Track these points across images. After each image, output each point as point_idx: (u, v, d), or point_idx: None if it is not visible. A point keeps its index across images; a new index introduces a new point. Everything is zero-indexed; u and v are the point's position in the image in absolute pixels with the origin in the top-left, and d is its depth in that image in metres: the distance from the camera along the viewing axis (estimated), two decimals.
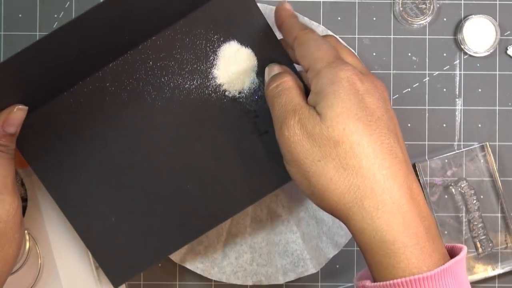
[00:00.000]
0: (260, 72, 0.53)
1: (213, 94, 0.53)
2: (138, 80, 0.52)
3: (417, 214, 0.44)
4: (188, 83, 0.52)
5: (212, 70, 0.53)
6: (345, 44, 0.55)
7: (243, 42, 0.52)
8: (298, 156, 0.46)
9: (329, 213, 0.46)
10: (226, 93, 0.53)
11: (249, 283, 0.61)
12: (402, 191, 0.44)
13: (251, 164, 0.54)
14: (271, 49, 0.52)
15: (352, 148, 0.44)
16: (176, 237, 0.54)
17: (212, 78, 0.53)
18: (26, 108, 0.50)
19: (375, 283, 0.44)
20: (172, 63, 0.52)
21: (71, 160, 0.53)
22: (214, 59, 0.52)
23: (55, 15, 0.64)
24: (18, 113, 0.50)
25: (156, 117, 0.52)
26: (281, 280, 0.61)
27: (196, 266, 0.61)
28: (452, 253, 0.46)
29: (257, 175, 0.54)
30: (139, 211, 0.54)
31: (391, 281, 0.43)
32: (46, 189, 0.54)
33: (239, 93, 0.53)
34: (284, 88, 0.48)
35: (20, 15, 0.64)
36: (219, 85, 0.53)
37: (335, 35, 0.52)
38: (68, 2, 0.64)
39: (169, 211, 0.54)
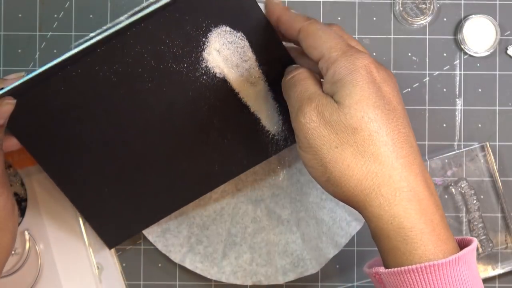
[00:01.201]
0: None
1: (204, 76, 0.53)
2: (127, 64, 0.52)
3: (432, 202, 0.45)
4: (179, 65, 0.53)
5: (203, 53, 0.53)
6: None
7: (235, 26, 0.52)
8: (315, 143, 0.46)
9: (343, 200, 0.46)
10: (217, 74, 0.53)
11: (249, 283, 0.61)
12: (418, 179, 0.45)
13: (238, 138, 0.56)
14: (263, 32, 0.52)
15: (371, 136, 0.44)
16: (167, 204, 0.58)
17: (202, 61, 0.53)
18: (14, 101, 0.51)
19: (392, 269, 0.44)
20: (162, 47, 0.52)
21: (62, 138, 0.54)
22: (204, 43, 0.52)
23: (55, 15, 0.64)
24: (7, 106, 0.51)
25: (147, 97, 0.53)
26: (280, 280, 0.61)
27: (196, 265, 0.61)
28: (461, 245, 0.47)
29: (244, 149, 0.56)
30: (131, 182, 0.56)
31: (409, 267, 0.43)
32: (38, 164, 0.55)
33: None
34: (300, 78, 0.49)
35: (20, 15, 0.64)
36: (210, 67, 0.53)
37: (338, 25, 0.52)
38: (68, 2, 0.64)
39: (160, 181, 0.57)
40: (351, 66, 0.45)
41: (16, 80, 0.52)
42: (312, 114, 0.46)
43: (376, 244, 0.46)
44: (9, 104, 0.51)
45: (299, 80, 0.48)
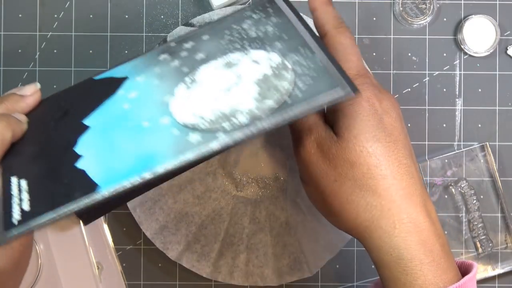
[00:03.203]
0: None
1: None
2: None
3: (433, 232, 0.44)
4: None
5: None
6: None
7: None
8: (314, 175, 0.46)
9: (345, 231, 0.46)
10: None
11: (245, 283, 0.61)
12: (418, 210, 0.44)
13: None
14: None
15: (370, 170, 0.44)
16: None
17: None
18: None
19: None
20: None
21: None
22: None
23: (55, 15, 0.64)
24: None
25: None
26: (276, 282, 0.61)
27: (192, 264, 0.61)
28: (461, 269, 0.46)
29: None
30: None
31: None
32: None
33: None
34: None
35: (20, 15, 0.64)
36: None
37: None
38: (68, 2, 0.64)
39: None
40: None
41: (34, 96, 0.48)
42: (311, 147, 0.45)
43: (378, 272, 0.46)
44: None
45: None
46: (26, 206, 0.43)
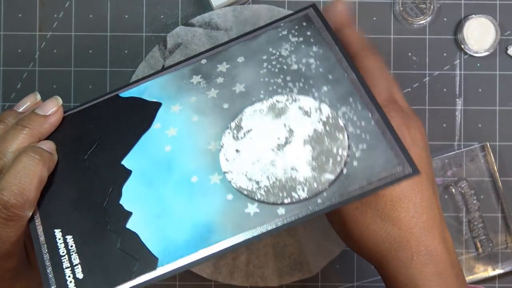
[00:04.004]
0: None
1: None
2: None
3: (449, 263, 0.45)
4: None
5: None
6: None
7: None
8: None
9: (361, 256, 0.47)
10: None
11: (245, 284, 0.61)
12: (436, 242, 0.44)
13: None
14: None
15: (392, 202, 0.44)
16: None
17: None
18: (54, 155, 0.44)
19: None
20: None
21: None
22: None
23: (55, 15, 0.64)
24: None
25: None
26: (276, 283, 0.61)
27: None
28: None
29: None
30: None
31: None
32: None
33: None
34: None
35: (20, 15, 0.64)
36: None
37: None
38: (68, 2, 0.64)
39: None
40: None
41: (57, 114, 0.43)
42: None
43: None
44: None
45: None
46: (79, 274, 0.38)
